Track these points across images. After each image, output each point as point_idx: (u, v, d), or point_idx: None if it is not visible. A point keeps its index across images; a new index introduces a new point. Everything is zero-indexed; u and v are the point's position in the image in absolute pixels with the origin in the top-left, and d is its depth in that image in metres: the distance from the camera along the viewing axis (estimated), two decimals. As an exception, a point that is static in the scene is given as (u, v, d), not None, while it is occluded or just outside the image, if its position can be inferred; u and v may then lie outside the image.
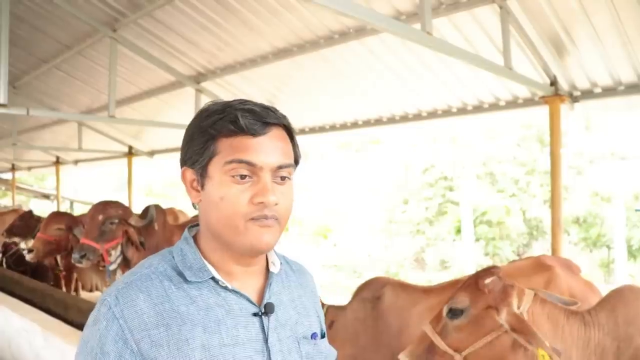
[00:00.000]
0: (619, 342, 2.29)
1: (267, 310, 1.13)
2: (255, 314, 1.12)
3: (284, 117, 1.17)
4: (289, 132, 1.18)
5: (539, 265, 3.39)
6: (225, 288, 1.12)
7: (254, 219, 1.08)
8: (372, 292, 3.48)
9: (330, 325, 3.38)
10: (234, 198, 1.07)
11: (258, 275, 1.20)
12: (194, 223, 1.25)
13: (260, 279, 1.20)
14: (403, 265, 15.66)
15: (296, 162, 1.19)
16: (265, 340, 1.11)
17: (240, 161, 1.07)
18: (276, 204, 1.08)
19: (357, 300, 3.50)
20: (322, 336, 1.26)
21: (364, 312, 3.42)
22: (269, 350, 1.10)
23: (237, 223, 1.08)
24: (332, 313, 3.46)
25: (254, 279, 1.19)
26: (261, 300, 1.16)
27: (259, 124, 1.09)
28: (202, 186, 1.13)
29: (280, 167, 1.11)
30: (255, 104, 1.14)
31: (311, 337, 1.22)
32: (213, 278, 1.11)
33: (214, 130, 1.10)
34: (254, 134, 1.09)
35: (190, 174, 1.15)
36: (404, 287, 3.47)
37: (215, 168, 1.09)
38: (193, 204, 1.17)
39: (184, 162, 1.16)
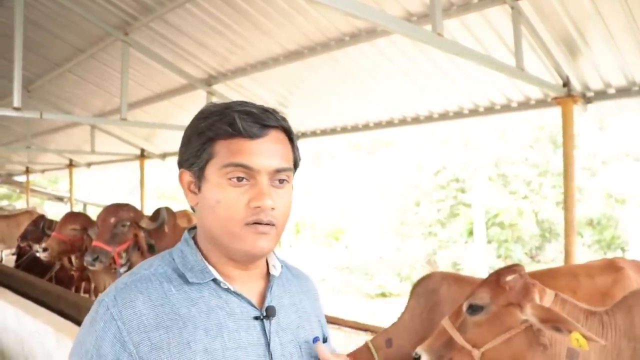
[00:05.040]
0: (635, 343, 2.25)
1: (268, 313, 1.12)
2: (256, 318, 1.11)
3: (284, 119, 1.14)
4: (289, 135, 1.16)
5: (609, 267, 3.33)
6: (227, 290, 1.10)
7: (250, 224, 1.06)
8: (425, 287, 3.52)
9: (388, 343, 3.40)
10: (231, 201, 1.06)
11: (258, 278, 1.18)
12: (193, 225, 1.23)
13: (261, 282, 1.18)
14: (415, 268, 15.59)
15: (296, 165, 1.18)
16: (267, 345, 1.09)
17: (237, 164, 1.05)
18: (273, 209, 1.07)
19: (413, 299, 3.54)
20: (324, 341, 1.24)
21: (419, 307, 3.46)
22: (271, 354, 1.09)
23: (232, 227, 1.06)
24: (383, 335, 3.47)
25: (254, 282, 1.17)
26: (262, 303, 1.14)
27: (257, 127, 1.07)
28: (199, 189, 1.11)
29: (278, 171, 1.09)
30: (255, 105, 1.11)
31: (313, 342, 1.19)
32: (214, 280, 1.10)
33: (212, 133, 1.08)
34: (252, 136, 1.07)
35: (187, 176, 1.13)
36: (456, 280, 3.51)
37: (212, 171, 1.08)
38: (192, 207, 1.16)
39: (181, 164, 1.15)
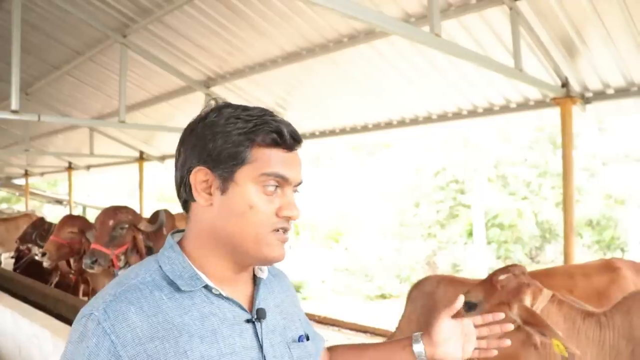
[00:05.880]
0: (633, 345, 2.25)
1: (259, 315, 1.12)
2: (248, 321, 1.10)
3: None
4: None
5: (606, 267, 3.37)
6: (219, 296, 1.08)
7: (276, 231, 1.09)
8: (422, 290, 3.56)
9: None
10: (263, 208, 1.07)
11: (246, 281, 1.18)
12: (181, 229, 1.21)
13: (248, 285, 1.18)
14: (415, 269, 15.58)
15: None
16: (260, 347, 1.09)
17: (277, 175, 1.08)
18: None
19: (409, 304, 3.58)
20: (307, 339, 1.25)
21: (416, 312, 3.48)
22: (264, 357, 1.08)
23: (261, 233, 1.08)
24: None
25: (243, 285, 1.16)
26: (251, 306, 1.14)
27: (292, 140, 1.12)
28: (223, 191, 1.08)
29: (299, 184, 1.15)
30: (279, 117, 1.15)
31: (299, 340, 1.21)
32: (206, 286, 1.08)
33: (255, 137, 1.08)
34: (290, 148, 1.12)
35: (204, 174, 1.09)
36: (452, 282, 3.53)
37: (246, 175, 1.07)
38: (183, 205, 1.14)
39: (202, 162, 1.09)
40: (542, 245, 16.08)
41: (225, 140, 1.08)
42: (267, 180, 1.07)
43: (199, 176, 1.09)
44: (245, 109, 1.12)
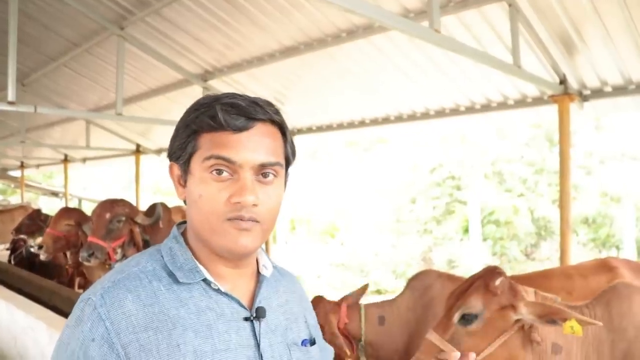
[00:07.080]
0: (613, 334, 2.33)
1: (258, 314, 1.08)
2: (246, 319, 1.07)
3: (276, 112, 1.11)
4: (281, 128, 1.12)
5: (603, 266, 3.36)
6: (218, 291, 1.06)
7: (231, 220, 1.02)
8: (421, 282, 3.52)
9: (380, 321, 3.39)
10: (212, 196, 1.02)
11: (248, 278, 1.15)
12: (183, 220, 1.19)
13: (251, 282, 1.15)
14: (410, 265, 15.61)
15: (287, 160, 1.14)
16: (257, 346, 1.06)
17: (218, 157, 1.02)
18: (255, 205, 1.02)
19: (408, 290, 3.54)
20: (312, 343, 1.21)
21: (414, 300, 3.46)
22: (261, 356, 1.06)
23: (213, 223, 1.03)
24: (378, 309, 3.44)
25: (244, 281, 1.13)
26: (252, 304, 1.11)
27: (241, 119, 1.03)
28: (185, 182, 1.08)
29: (263, 165, 1.05)
30: (244, 97, 1.07)
31: (301, 344, 1.17)
32: (205, 280, 1.06)
33: (196, 125, 1.05)
34: (235, 129, 1.03)
35: (176, 169, 1.11)
36: (451, 279, 3.50)
37: (196, 164, 1.05)
38: (184, 201, 1.13)
39: (170, 157, 1.12)
40: (538, 242, 16.12)
41: (179, 133, 1.10)
42: (212, 165, 1.02)
43: (174, 171, 1.12)
44: (205, 97, 1.10)
